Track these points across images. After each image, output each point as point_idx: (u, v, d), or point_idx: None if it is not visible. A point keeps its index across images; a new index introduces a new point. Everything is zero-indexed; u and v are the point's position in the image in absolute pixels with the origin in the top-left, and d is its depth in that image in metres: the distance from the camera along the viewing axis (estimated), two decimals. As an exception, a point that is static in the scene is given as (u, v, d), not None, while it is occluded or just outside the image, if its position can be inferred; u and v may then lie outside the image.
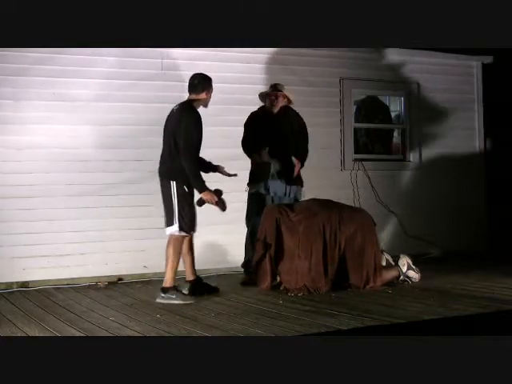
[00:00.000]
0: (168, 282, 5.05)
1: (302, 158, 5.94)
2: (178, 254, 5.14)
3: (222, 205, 5.10)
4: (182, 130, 5.02)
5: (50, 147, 6.00)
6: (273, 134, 5.90)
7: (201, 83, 5.18)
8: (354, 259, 5.51)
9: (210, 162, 5.44)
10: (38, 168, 5.97)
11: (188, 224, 5.13)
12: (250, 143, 5.98)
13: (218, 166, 5.49)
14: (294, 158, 5.87)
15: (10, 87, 5.89)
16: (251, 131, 6.01)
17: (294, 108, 6.07)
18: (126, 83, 6.28)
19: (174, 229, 5.08)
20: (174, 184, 5.07)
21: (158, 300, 5.05)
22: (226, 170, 5.52)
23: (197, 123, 5.09)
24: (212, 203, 5.07)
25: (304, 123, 6.07)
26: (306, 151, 6.01)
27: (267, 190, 5.97)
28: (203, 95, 5.18)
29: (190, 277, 5.41)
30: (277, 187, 5.95)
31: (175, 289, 5.09)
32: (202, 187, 5.07)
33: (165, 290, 5.06)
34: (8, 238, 5.83)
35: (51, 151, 6.01)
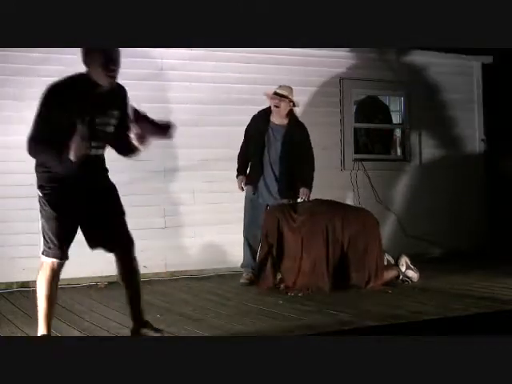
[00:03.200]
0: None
1: (310, 186, 5.90)
2: (46, 289, 3.62)
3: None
4: None
5: (50, 147, 6.00)
6: (273, 147, 5.87)
7: None
8: (357, 259, 5.51)
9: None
10: (38, 168, 5.96)
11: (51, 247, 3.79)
12: (244, 158, 5.97)
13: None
14: (301, 190, 5.84)
15: (11, 87, 5.89)
16: (249, 142, 5.97)
17: (295, 108, 6.04)
18: (125, 83, 6.24)
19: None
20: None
21: None
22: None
23: None
24: None
25: (309, 138, 5.99)
26: (312, 178, 5.94)
27: (256, 193, 5.92)
28: None
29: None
30: (267, 199, 5.92)
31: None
32: None
33: None
34: (8, 238, 5.82)
35: (51, 151, 6.00)
